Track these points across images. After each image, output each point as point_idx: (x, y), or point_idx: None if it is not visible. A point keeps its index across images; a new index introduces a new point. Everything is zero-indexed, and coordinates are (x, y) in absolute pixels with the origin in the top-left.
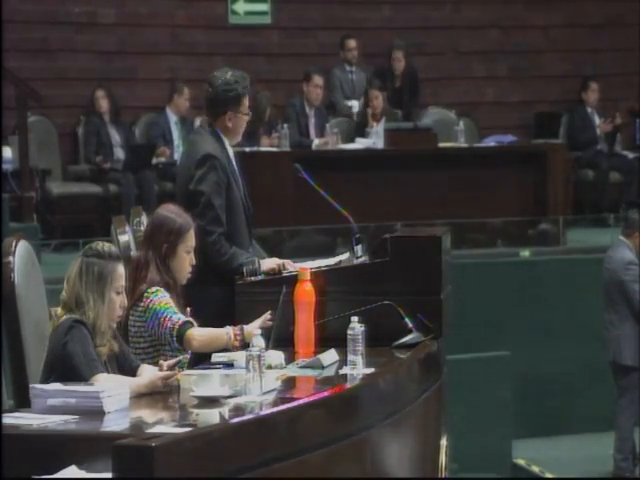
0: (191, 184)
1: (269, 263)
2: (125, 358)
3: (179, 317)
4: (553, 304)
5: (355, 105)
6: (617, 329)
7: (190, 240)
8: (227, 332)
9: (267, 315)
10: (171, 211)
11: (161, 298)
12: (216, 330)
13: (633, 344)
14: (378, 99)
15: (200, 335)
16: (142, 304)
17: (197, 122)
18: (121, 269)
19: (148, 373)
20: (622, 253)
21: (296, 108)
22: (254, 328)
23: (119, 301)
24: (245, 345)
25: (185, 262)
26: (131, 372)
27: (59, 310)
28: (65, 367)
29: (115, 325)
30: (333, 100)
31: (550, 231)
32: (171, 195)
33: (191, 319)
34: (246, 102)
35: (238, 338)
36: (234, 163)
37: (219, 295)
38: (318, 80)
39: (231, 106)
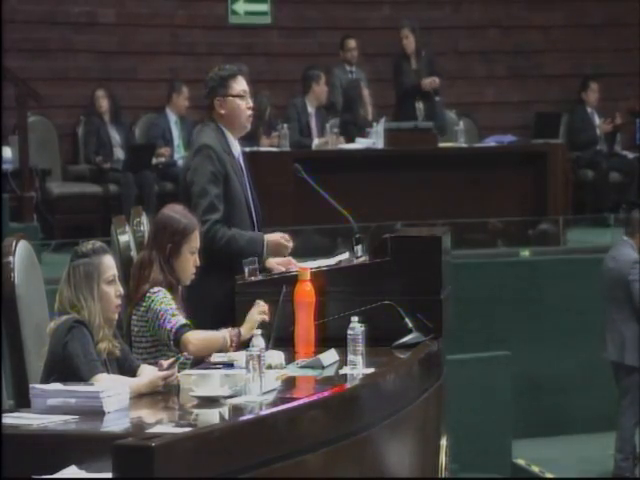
0: (187, 175)
1: (274, 240)
2: (125, 358)
3: (177, 319)
4: (553, 304)
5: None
6: (620, 329)
7: (195, 241)
8: (223, 336)
9: (260, 306)
10: (176, 211)
11: (163, 299)
12: (213, 334)
13: (636, 344)
14: (368, 99)
15: (196, 339)
16: (144, 304)
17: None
18: (108, 259)
19: (148, 373)
20: (627, 253)
21: (297, 108)
22: (250, 331)
23: (114, 290)
24: (243, 346)
25: (189, 263)
26: (131, 372)
27: (53, 324)
28: (65, 367)
29: (116, 317)
30: (333, 100)
31: (550, 231)
32: (171, 195)
33: (189, 322)
34: (235, 85)
35: (234, 340)
36: (240, 161)
37: (219, 294)
38: (325, 79)
39: (217, 91)
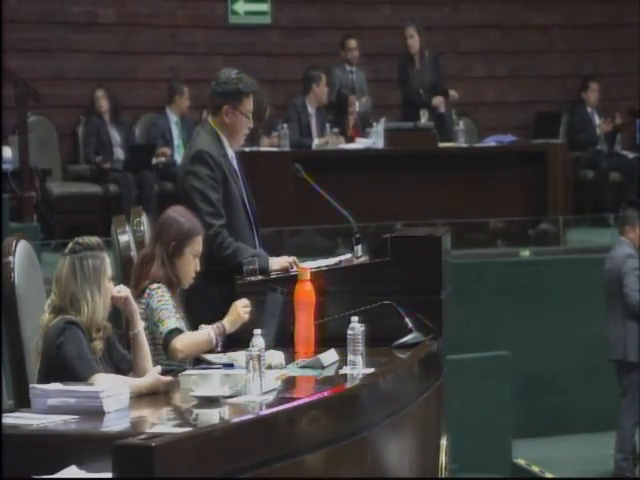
0: (185, 181)
1: (279, 262)
2: (122, 357)
3: (168, 324)
4: (553, 304)
5: (355, 105)
6: (620, 327)
7: (198, 244)
8: (208, 334)
9: (242, 301)
10: (181, 214)
11: (161, 297)
12: (197, 335)
13: (636, 340)
14: (354, 106)
15: (182, 345)
16: (144, 300)
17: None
18: (107, 256)
19: (150, 374)
20: (622, 250)
21: (297, 108)
22: (234, 325)
23: (111, 288)
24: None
25: (190, 265)
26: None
27: (47, 316)
28: (61, 370)
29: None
30: (333, 100)
31: (550, 231)
32: (171, 195)
33: (177, 326)
34: (247, 104)
35: (219, 336)
36: (234, 164)
37: (217, 296)
38: (325, 80)
39: (230, 100)
